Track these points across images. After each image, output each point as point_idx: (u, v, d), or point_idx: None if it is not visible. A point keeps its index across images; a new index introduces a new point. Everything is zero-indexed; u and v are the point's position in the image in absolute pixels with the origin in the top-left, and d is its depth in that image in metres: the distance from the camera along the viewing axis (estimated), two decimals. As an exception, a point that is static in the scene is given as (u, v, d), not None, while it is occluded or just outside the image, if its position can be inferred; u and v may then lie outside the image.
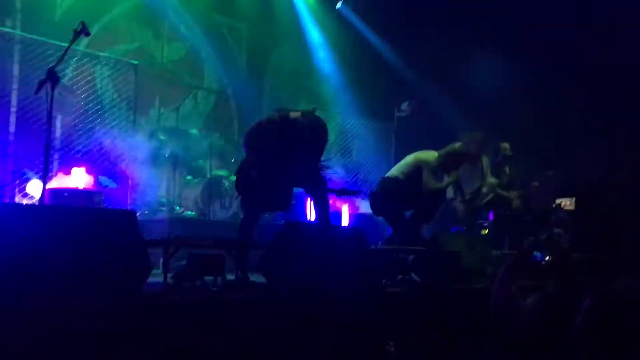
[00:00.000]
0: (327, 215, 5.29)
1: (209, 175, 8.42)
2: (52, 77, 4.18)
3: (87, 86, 7.87)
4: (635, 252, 6.94)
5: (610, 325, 2.23)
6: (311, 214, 8.93)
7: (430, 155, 6.55)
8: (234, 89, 10.35)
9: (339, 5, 11.40)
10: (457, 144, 6.67)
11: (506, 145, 8.22)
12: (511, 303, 3.54)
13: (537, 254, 4.32)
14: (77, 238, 3.59)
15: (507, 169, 8.12)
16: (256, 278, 4.86)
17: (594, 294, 2.27)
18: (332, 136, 10.21)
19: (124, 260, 3.73)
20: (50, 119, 4.31)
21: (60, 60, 4.44)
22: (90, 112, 7.80)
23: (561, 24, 9.52)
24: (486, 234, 7.93)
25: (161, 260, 4.47)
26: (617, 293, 2.22)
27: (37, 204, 6.09)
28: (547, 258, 4.19)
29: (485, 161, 7.65)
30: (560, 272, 3.75)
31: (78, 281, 3.48)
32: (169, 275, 4.12)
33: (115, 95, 8.25)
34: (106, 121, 7.95)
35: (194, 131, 8.86)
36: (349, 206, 9.46)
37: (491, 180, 7.53)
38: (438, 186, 6.48)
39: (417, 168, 6.46)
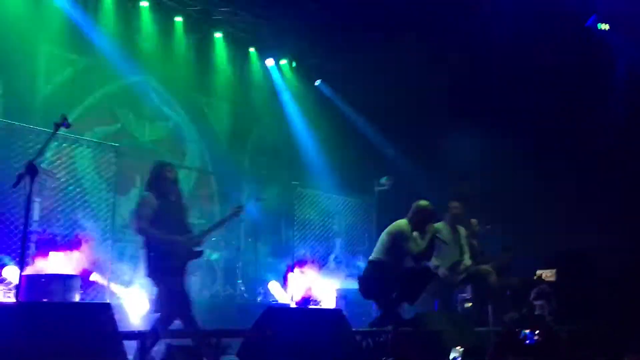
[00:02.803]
0: None
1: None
2: (31, 170, 4.19)
3: (67, 169, 7.87)
4: (615, 323, 6.94)
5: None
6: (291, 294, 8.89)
7: (400, 224, 6.57)
8: (215, 166, 10.44)
9: (317, 82, 11.70)
10: (420, 201, 6.72)
11: (475, 221, 8.28)
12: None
13: (527, 332, 4.30)
14: (53, 333, 3.56)
15: (475, 243, 8.13)
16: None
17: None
18: (312, 213, 10.25)
19: (100, 355, 3.68)
20: (28, 210, 4.30)
21: (39, 153, 4.47)
22: (70, 195, 7.77)
23: (534, 98, 9.86)
24: (469, 308, 7.88)
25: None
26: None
27: (13, 295, 6.00)
28: (536, 337, 4.18)
29: (463, 232, 7.66)
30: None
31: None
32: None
33: (96, 177, 8.26)
34: (86, 203, 7.92)
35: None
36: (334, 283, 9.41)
37: (468, 261, 7.52)
38: (421, 248, 6.47)
39: (394, 242, 6.47)
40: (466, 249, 7.55)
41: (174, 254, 4.96)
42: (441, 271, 7.40)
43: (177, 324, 6.62)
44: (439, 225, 7.23)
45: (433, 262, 7.06)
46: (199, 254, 5.21)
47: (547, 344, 4.05)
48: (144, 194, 5.17)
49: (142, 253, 5.09)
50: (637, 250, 8.69)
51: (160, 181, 5.20)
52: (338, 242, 10.37)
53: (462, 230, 7.67)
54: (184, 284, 4.99)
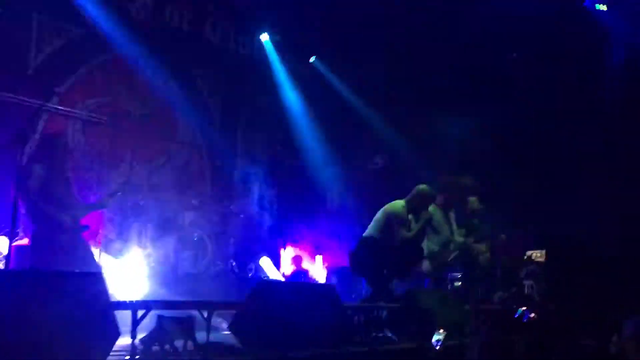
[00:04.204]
0: None
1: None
2: (22, 140, 4.15)
3: (58, 141, 7.77)
4: (603, 305, 7.00)
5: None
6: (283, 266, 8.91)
7: (397, 205, 6.57)
8: (207, 142, 10.37)
9: (312, 59, 11.61)
10: (422, 186, 6.73)
11: (474, 198, 8.28)
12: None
13: (524, 309, 4.32)
14: (43, 303, 3.52)
15: (475, 222, 8.15)
16: (229, 338, 4.81)
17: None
18: (305, 189, 10.24)
19: (91, 325, 3.66)
20: (19, 181, 4.26)
21: (29, 122, 4.42)
22: (60, 167, 7.68)
23: (529, 80, 9.84)
24: (460, 286, 7.92)
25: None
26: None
27: (3, 262, 5.97)
28: (532, 315, 4.19)
29: (452, 216, 7.68)
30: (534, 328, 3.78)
31: (44, 347, 3.39)
32: (137, 339, 4.03)
33: (87, 149, 8.20)
34: (77, 176, 7.85)
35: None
36: (324, 260, 9.44)
37: (459, 238, 7.53)
38: (412, 234, 6.48)
39: (388, 222, 6.48)
40: (456, 228, 7.57)
41: (59, 229, 5.02)
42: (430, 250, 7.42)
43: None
44: (431, 208, 7.22)
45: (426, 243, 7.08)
46: (85, 228, 5.35)
47: (540, 323, 4.08)
48: (32, 166, 5.11)
49: (28, 225, 5.16)
50: (626, 235, 8.74)
51: (50, 153, 5.18)
52: (330, 218, 10.36)
53: (452, 215, 7.69)
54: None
